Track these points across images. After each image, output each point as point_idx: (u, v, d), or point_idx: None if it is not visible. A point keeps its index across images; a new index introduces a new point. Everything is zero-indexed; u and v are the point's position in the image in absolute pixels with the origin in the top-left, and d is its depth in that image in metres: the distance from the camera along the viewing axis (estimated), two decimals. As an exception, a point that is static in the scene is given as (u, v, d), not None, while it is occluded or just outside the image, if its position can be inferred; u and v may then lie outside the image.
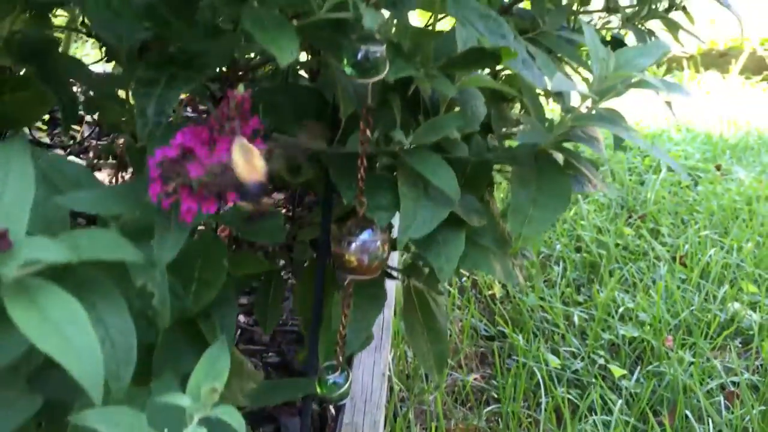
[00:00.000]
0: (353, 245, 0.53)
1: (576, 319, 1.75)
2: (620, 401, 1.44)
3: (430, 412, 1.42)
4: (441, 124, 0.58)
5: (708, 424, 1.39)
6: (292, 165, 0.66)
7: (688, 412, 1.41)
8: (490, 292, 1.86)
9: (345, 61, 0.48)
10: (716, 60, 4.32)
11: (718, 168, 2.78)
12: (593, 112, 0.66)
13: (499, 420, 1.43)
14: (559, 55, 0.78)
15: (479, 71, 0.60)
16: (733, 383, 1.55)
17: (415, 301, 0.74)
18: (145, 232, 0.49)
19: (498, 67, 0.76)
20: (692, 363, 1.58)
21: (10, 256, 0.36)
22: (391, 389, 1.46)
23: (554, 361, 1.59)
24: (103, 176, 1.72)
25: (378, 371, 1.20)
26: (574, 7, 0.85)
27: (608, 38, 0.84)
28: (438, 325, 0.75)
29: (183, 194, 0.44)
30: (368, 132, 0.51)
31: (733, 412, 1.44)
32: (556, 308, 1.77)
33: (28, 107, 0.57)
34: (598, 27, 0.85)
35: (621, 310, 1.78)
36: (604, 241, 2.10)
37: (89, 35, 0.71)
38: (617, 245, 2.12)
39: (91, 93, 0.67)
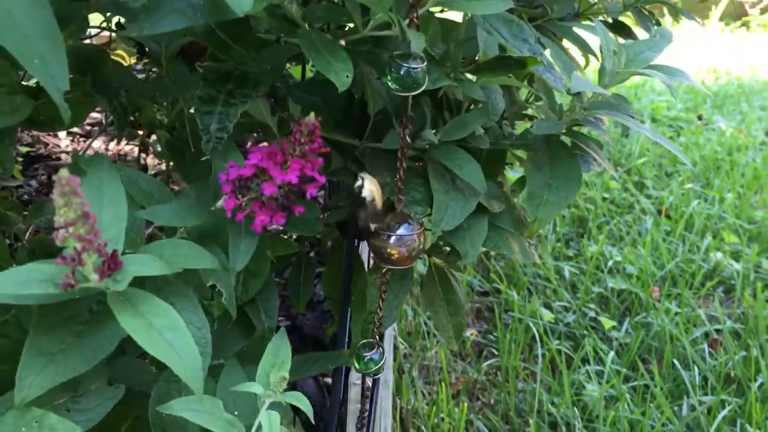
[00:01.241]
0: (392, 239, 0.59)
1: (567, 273, 1.83)
2: (611, 352, 1.52)
3: (432, 368, 1.50)
4: (467, 122, 0.63)
5: (694, 371, 1.48)
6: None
7: (675, 361, 1.51)
8: (483, 249, 1.93)
9: (388, 76, 0.52)
10: (696, 6, 4.36)
11: (700, 118, 2.85)
12: (601, 98, 0.71)
13: (498, 373, 1.52)
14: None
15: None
16: (717, 331, 1.65)
17: (436, 277, 0.79)
18: (210, 236, 0.54)
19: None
20: (678, 313, 1.67)
21: (119, 273, 0.41)
22: (395, 347, 1.53)
23: (548, 315, 1.67)
24: (98, 144, 1.75)
25: (387, 333, 1.27)
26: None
27: (610, 21, 0.88)
28: (456, 299, 0.81)
29: (256, 208, 0.48)
30: (407, 137, 0.55)
31: (716, 359, 1.54)
32: (548, 264, 1.85)
33: (75, 109, 0.61)
34: (600, 10, 0.89)
35: (610, 263, 1.86)
36: (592, 195, 2.17)
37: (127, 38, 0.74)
38: (604, 199, 2.20)
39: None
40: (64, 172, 0.35)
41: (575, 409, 1.37)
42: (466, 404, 1.33)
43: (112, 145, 1.72)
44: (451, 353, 1.57)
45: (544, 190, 0.72)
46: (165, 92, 0.61)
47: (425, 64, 0.52)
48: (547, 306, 1.73)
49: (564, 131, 0.72)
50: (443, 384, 1.37)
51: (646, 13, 0.85)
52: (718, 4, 4.21)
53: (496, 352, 1.57)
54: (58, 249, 0.48)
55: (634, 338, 1.58)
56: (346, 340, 0.79)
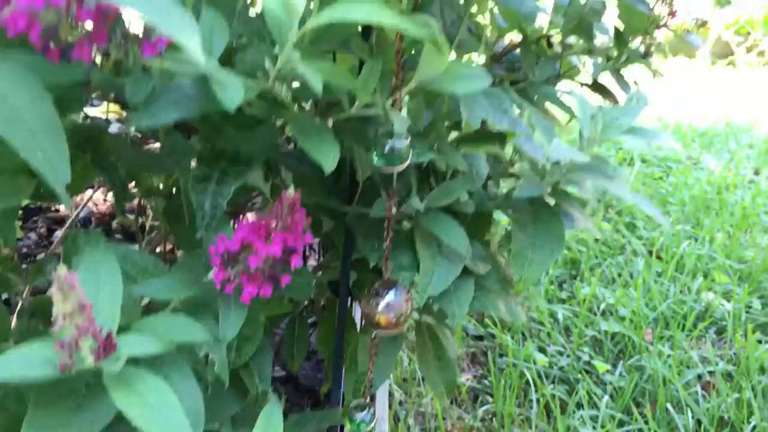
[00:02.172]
0: (381, 305, 0.61)
1: (560, 316, 1.85)
2: (605, 396, 1.53)
3: (428, 414, 1.50)
4: (451, 189, 0.65)
5: (687, 414, 1.49)
6: (314, 222, 0.74)
7: (668, 404, 1.51)
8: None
9: (374, 153, 0.55)
10: (683, 45, 4.43)
11: (689, 158, 2.89)
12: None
13: (493, 419, 1.52)
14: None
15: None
16: (710, 373, 1.66)
17: (426, 334, 0.81)
18: (202, 306, 0.56)
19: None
20: (670, 355, 1.68)
21: (114, 355, 0.43)
22: (390, 394, 1.54)
23: (542, 360, 1.68)
24: (98, 195, 1.77)
25: (382, 386, 1.28)
26: (558, 49, 0.93)
27: (590, 82, 0.92)
28: (447, 355, 0.83)
29: (243, 280, 0.51)
30: (393, 208, 0.58)
31: (709, 402, 1.54)
32: (542, 307, 1.86)
33: (74, 182, 0.63)
34: (580, 70, 0.92)
35: (603, 306, 1.87)
36: (584, 237, 2.20)
37: (123, 107, 0.77)
38: (596, 240, 2.22)
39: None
40: (62, 270, 0.37)
41: (570, 455, 1.37)
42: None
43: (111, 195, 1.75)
44: (446, 399, 1.57)
45: (529, 250, 0.74)
46: (162, 166, 0.64)
47: (409, 140, 0.54)
48: (542, 350, 1.74)
49: (547, 192, 0.75)
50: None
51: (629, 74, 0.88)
52: (704, 43, 4.29)
53: (491, 399, 1.57)
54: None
55: (628, 382, 1.58)
56: (341, 397, 0.81)
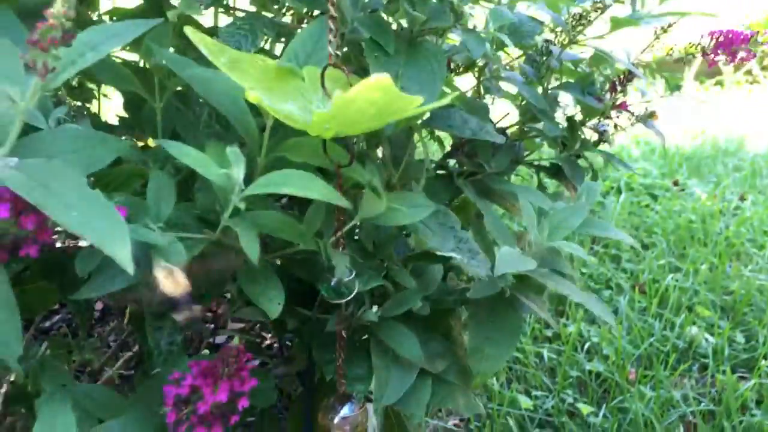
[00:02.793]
0: (337, 419, 0.64)
1: (545, 356, 1.87)
2: (588, 442, 1.56)
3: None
4: (405, 300, 0.69)
5: (669, 458, 1.51)
6: (279, 322, 0.77)
7: (649, 449, 1.54)
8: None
9: (322, 287, 0.58)
10: (672, 66, 4.47)
11: (676, 183, 2.92)
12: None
13: (479, 466, 1.55)
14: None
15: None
16: (692, 413, 1.69)
17: (393, 419, 0.84)
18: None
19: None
20: (653, 397, 1.71)
21: None
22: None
23: (526, 403, 1.71)
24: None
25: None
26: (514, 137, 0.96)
27: (548, 165, 0.95)
28: (412, 438, 0.86)
29: (194, 420, 0.54)
30: (343, 333, 0.61)
31: (690, 444, 1.57)
32: (527, 349, 1.89)
33: (38, 303, 0.67)
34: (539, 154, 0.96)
35: (587, 345, 1.90)
36: (569, 273, 2.22)
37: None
38: (582, 274, 2.25)
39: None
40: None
41: (552, 505, 1.40)
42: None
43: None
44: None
45: (485, 345, 0.77)
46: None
47: (354, 274, 0.58)
48: (527, 392, 1.77)
49: (501, 288, 0.78)
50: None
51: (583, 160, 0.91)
52: (692, 64, 4.33)
53: (475, 446, 1.60)
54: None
55: (611, 424, 1.61)
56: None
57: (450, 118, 0.66)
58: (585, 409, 1.70)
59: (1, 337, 0.45)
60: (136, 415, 0.56)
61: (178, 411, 0.54)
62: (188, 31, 0.49)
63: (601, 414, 1.67)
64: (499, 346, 0.77)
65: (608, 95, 0.87)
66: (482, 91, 0.88)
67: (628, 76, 0.87)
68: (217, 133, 0.76)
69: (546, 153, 1.05)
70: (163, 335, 0.57)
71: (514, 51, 0.97)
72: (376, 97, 0.44)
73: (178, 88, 0.75)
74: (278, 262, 0.59)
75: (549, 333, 1.99)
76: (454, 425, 1.68)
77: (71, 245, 0.78)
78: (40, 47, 0.38)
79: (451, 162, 0.91)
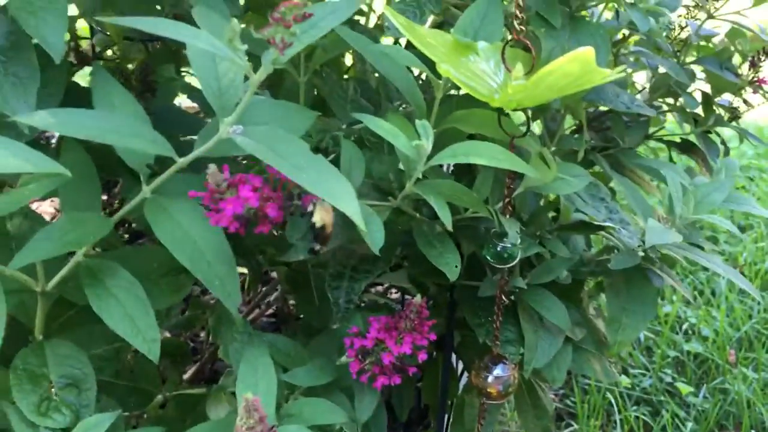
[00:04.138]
0: (490, 378, 0.68)
1: (642, 336, 1.87)
2: (690, 422, 1.56)
3: (513, 435, 1.56)
4: (552, 268, 0.71)
5: (773, 439, 1.50)
6: (420, 287, 0.81)
7: (753, 430, 1.53)
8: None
9: (486, 252, 0.61)
10: None
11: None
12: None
13: (578, 440, 1.57)
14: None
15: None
16: (796, 396, 1.66)
17: (524, 386, 0.87)
18: (333, 383, 0.64)
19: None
20: (756, 379, 1.69)
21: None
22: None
23: (624, 381, 1.71)
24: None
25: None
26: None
27: (678, 140, 0.96)
28: (542, 403, 0.89)
29: (376, 371, 0.58)
30: (503, 297, 0.64)
31: (796, 427, 1.55)
32: (623, 326, 1.89)
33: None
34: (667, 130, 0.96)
35: (685, 326, 1.89)
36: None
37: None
38: (677, 255, 2.22)
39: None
40: (249, 395, 0.45)
41: (655, 480, 1.41)
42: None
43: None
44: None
45: (622, 315, 0.79)
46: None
47: (518, 241, 0.61)
48: (624, 370, 1.77)
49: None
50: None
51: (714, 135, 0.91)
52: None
53: (573, 421, 1.62)
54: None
55: (712, 405, 1.60)
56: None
57: (603, 92, 0.68)
58: (684, 389, 1.69)
59: (225, 289, 0.50)
60: (316, 364, 0.61)
61: (360, 362, 0.59)
62: (387, 9, 0.53)
63: (701, 394, 1.67)
64: (636, 317, 0.79)
65: (747, 70, 0.87)
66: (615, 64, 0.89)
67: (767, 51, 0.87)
68: (363, 107, 0.80)
69: (668, 129, 1.05)
70: (341, 294, 0.61)
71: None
72: (574, 69, 0.46)
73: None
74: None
75: (644, 313, 1.98)
76: (551, 399, 1.70)
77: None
78: (284, 24, 0.42)
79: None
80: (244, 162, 0.74)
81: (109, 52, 0.90)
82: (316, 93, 0.83)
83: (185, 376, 1.01)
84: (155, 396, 0.77)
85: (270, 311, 0.97)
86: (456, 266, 0.57)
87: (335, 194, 0.43)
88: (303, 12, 0.42)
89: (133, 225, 1.06)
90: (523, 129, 0.56)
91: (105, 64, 0.86)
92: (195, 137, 0.53)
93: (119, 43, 0.85)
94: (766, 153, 2.94)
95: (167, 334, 1.04)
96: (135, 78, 0.66)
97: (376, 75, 0.83)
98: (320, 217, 0.52)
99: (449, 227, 0.51)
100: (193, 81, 0.78)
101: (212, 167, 0.47)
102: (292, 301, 0.97)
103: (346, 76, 0.89)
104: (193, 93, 0.67)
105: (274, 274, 1.09)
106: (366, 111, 0.79)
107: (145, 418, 0.76)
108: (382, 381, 0.58)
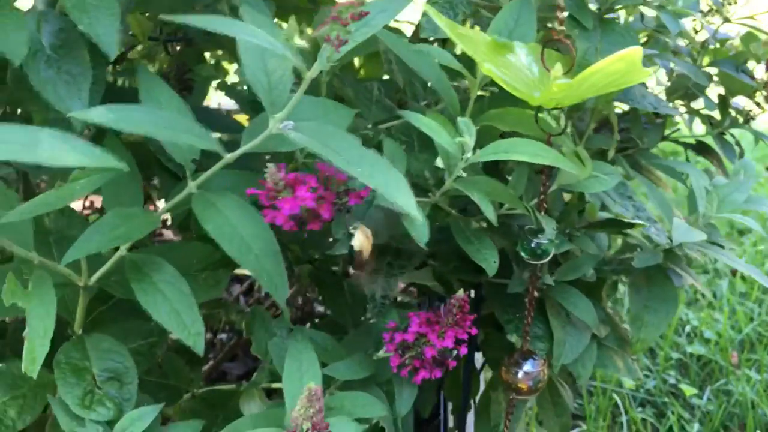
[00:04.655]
0: (521, 374, 0.68)
1: (645, 338, 1.88)
2: (695, 423, 1.57)
3: (520, 436, 1.57)
4: (579, 265, 0.73)
5: (777, 440, 1.52)
6: (446, 285, 0.82)
7: (758, 431, 1.54)
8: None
9: (520, 247, 0.63)
10: None
11: (767, 169, 2.86)
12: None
13: (584, 441, 1.58)
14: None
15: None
16: (798, 397, 1.68)
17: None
18: (370, 378, 0.65)
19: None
20: (759, 380, 1.71)
21: None
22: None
23: (629, 383, 1.73)
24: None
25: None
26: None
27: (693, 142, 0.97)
28: (562, 401, 0.90)
29: (417, 365, 0.59)
30: (535, 293, 0.66)
31: (800, 427, 1.57)
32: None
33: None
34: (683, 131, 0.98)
35: (687, 328, 1.91)
36: (665, 256, 2.22)
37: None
38: (677, 258, 2.24)
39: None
40: (312, 385, 0.46)
41: (664, 481, 1.42)
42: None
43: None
44: (536, 420, 1.64)
45: (644, 313, 0.80)
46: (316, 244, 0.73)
47: (554, 237, 0.62)
48: (627, 372, 1.78)
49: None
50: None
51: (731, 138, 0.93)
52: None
53: (581, 424, 1.63)
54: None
55: (717, 406, 1.62)
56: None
57: (630, 92, 0.69)
58: (688, 390, 1.71)
59: (273, 282, 0.51)
60: (355, 359, 0.62)
61: (400, 356, 0.60)
62: (427, 8, 0.54)
63: (705, 396, 1.68)
64: (658, 314, 0.80)
65: (762, 73, 0.88)
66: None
67: (783, 54, 0.88)
68: (387, 107, 0.81)
69: (681, 132, 1.07)
70: (378, 289, 0.62)
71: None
72: (618, 68, 0.48)
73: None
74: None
75: (646, 315, 1.99)
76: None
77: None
78: (341, 23, 0.43)
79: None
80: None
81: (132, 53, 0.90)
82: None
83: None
84: (183, 393, 0.78)
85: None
86: (495, 261, 0.58)
87: (390, 187, 0.44)
88: (359, 10, 0.43)
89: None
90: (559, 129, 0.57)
91: (128, 64, 0.86)
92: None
93: (144, 43, 0.86)
94: (762, 156, 2.97)
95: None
96: (172, 77, 0.67)
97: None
98: (359, 242, 0.54)
99: (494, 222, 0.52)
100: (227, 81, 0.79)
101: (271, 167, 0.48)
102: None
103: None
104: (230, 92, 0.68)
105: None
106: (391, 110, 0.80)
107: (174, 414, 0.77)
108: (423, 375, 0.59)
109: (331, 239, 0.61)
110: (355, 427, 0.54)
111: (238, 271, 1.22)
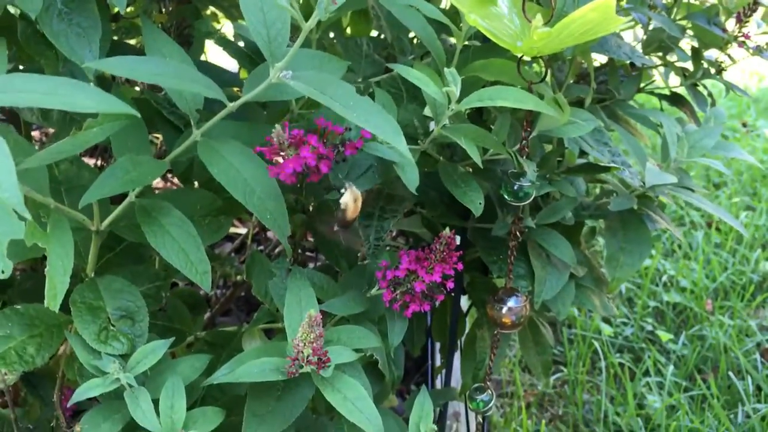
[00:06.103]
0: (504, 309, 0.73)
1: (623, 288, 1.96)
2: (670, 366, 1.65)
3: (504, 382, 1.64)
4: (559, 209, 0.77)
5: (747, 380, 1.60)
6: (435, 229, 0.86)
7: (730, 372, 1.62)
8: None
9: (503, 190, 0.67)
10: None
11: (744, 125, 2.92)
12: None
13: (565, 385, 1.65)
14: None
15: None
16: (768, 341, 1.76)
17: (527, 324, 0.94)
18: (363, 314, 0.70)
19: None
20: (731, 325, 1.78)
21: (327, 365, 0.56)
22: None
23: (607, 330, 1.80)
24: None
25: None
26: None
27: (668, 93, 1.02)
28: (544, 340, 0.96)
29: (407, 299, 0.64)
30: (518, 234, 0.70)
31: (769, 369, 1.65)
32: (605, 279, 1.98)
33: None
34: (657, 83, 1.02)
35: (664, 278, 1.98)
36: (643, 210, 2.29)
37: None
38: (655, 212, 2.31)
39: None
40: (312, 312, 0.50)
41: (638, 419, 1.50)
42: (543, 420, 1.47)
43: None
44: (519, 367, 1.71)
45: (620, 254, 0.86)
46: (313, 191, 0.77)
47: (534, 180, 0.66)
48: (606, 320, 1.86)
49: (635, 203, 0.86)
50: (516, 397, 1.51)
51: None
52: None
53: (562, 367, 1.70)
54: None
55: (691, 350, 1.70)
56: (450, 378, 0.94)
57: (607, 42, 0.73)
58: (664, 336, 1.78)
59: (275, 221, 0.55)
60: (350, 295, 0.66)
61: (391, 292, 0.64)
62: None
63: (680, 341, 1.76)
64: (633, 256, 0.86)
65: (732, 26, 0.92)
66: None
67: (753, 6, 0.92)
68: (377, 61, 0.85)
69: (657, 84, 1.11)
70: (371, 232, 0.66)
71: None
72: (593, 17, 0.52)
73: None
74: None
75: (625, 267, 2.06)
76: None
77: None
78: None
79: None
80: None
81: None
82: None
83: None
84: (187, 336, 0.82)
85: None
86: (480, 203, 0.62)
87: (384, 130, 0.48)
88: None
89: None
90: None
91: (124, 22, 0.89)
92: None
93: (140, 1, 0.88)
94: (738, 113, 3.03)
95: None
96: (172, 31, 0.70)
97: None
98: (346, 200, 0.57)
99: (480, 164, 0.57)
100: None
101: (278, 127, 0.52)
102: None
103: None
104: (227, 47, 0.71)
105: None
106: (380, 65, 0.84)
107: (179, 354, 0.81)
108: (414, 308, 0.64)
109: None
110: (351, 354, 0.58)
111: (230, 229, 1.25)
